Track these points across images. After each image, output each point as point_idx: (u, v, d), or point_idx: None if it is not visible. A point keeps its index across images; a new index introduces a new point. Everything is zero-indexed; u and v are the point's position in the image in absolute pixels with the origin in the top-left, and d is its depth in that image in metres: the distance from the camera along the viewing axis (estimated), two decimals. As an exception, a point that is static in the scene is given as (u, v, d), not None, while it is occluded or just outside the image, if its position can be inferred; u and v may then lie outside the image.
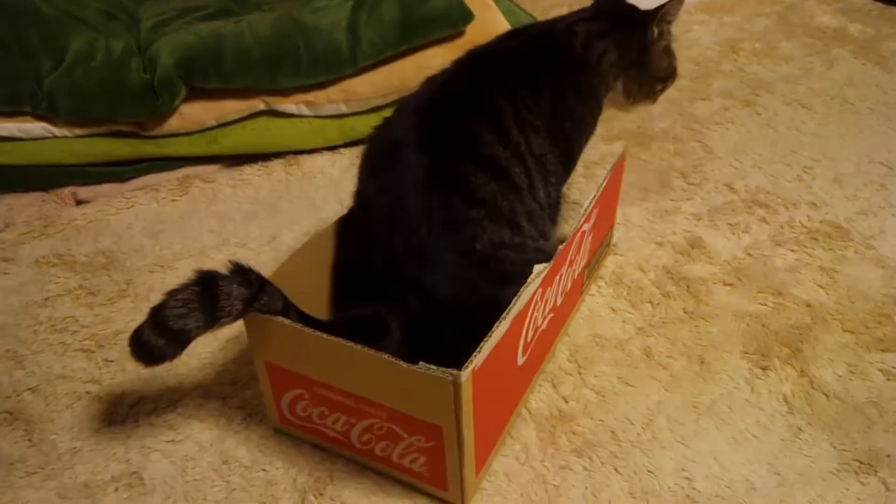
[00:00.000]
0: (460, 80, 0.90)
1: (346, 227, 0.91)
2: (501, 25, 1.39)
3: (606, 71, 0.97)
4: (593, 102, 0.98)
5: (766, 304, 1.01)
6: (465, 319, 0.75)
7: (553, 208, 0.92)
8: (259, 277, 0.73)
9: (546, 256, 0.80)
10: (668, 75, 1.02)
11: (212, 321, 0.68)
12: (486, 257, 0.79)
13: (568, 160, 0.96)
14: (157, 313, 0.68)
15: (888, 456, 0.81)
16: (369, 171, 0.87)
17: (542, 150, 0.88)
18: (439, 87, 0.88)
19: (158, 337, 0.68)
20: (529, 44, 0.96)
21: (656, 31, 0.96)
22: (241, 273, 0.72)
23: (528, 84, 0.90)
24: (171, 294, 0.69)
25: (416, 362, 0.66)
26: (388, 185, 0.82)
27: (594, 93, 0.98)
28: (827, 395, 0.88)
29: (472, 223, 0.79)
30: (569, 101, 0.93)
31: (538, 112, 0.88)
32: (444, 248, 0.78)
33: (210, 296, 0.69)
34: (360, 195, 0.87)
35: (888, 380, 0.90)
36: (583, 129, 0.98)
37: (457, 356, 0.67)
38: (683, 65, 1.66)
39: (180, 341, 0.69)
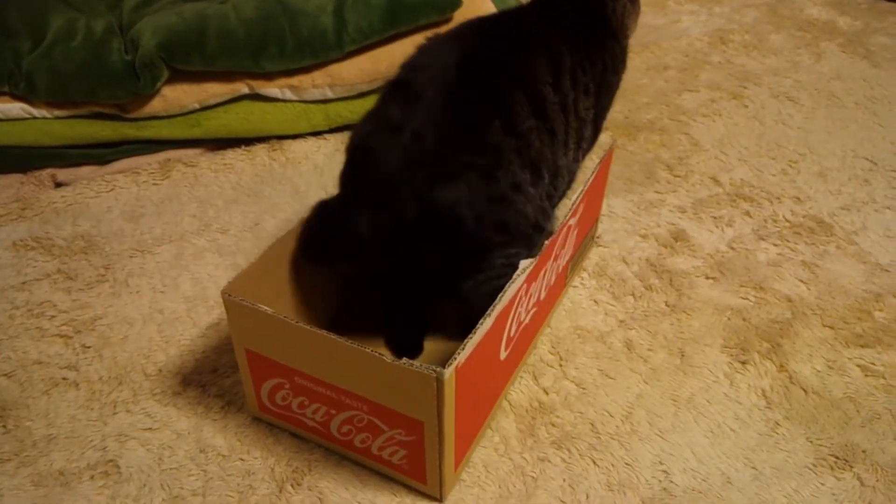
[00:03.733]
0: (523, 18, 0.90)
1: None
2: (490, 11, 1.38)
3: (628, 21, 0.98)
4: (622, 68, 0.99)
5: (747, 299, 1.02)
6: (453, 250, 0.76)
7: (571, 179, 0.93)
8: None
9: (546, 218, 0.82)
10: None
11: None
12: (502, 196, 0.77)
13: (596, 133, 0.97)
14: None
15: (864, 451, 0.82)
16: (419, 54, 0.85)
17: (587, 116, 0.88)
18: (501, 18, 0.89)
19: None
20: (574, 13, 0.94)
21: None
22: None
23: (584, 50, 0.89)
24: None
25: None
26: (429, 77, 0.79)
27: (625, 57, 0.98)
28: (805, 390, 0.89)
29: (503, 152, 0.77)
30: (609, 77, 0.94)
31: (592, 78, 0.89)
32: (469, 166, 0.75)
33: None
34: (399, 82, 0.83)
35: (866, 375, 0.91)
36: (610, 102, 0.98)
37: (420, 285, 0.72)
38: (672, 55, 1.66)
39: None
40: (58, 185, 1.26)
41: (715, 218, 1.17)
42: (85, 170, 1.28)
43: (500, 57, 0.82)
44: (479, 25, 0.89)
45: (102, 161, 1.29)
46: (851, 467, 0.81)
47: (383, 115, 0.81)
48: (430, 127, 0.76)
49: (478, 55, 0.82)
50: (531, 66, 0.82)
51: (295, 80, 1.29)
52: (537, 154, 0.80)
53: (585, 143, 0.92)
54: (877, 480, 0.79)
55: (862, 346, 0.95)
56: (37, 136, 1.24)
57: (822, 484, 0.79)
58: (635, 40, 1.67)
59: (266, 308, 0.71)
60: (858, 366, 0.92)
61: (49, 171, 1.27)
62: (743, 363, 0.92)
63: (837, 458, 0.82)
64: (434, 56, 0.83)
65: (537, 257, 0.78)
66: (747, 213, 1.18)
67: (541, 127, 0.80)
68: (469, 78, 0.79)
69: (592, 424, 0.85)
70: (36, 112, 1.22)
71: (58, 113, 1.23)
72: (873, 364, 0.92)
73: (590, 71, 0.89)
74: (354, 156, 0.82)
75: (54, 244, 1.12)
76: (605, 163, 0.98)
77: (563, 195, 0.94)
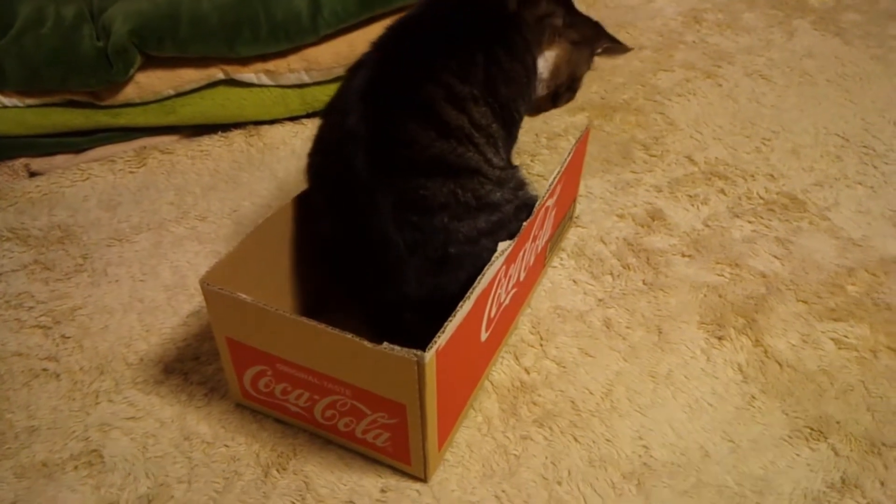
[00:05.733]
0: (386, 73, 0.83)
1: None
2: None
3: (545, 32, 0.96)
4: (529, 59, 0.94)
5: (723, 275, 1.03)
6: (439, 309, 0.74)
7: (508, 164, 0.92)
8: None
9: (528, 209, 0.83)
10: (569, 83, 1.02)
11: None
12: (463, 255, 0.79)
13: (510, 125, 0.92)
14: None
15: (838, 422, 0.84)
16: (320, 189, 0.84)
17: (487, 120, 0.85)
18: (368, 86, 0.82)
19: None
20: (456, 5, 0.91)
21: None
22: None
23: (457, 52, 0.85)
24: None
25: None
26: (345, 215, 0.80)
27: (529, 49, 0.94)
28: (780, 364, 0.91)
29: (440, 231, 0.78)
30: (503, 65, 0.89)
31: (472, 81, 0.84)
32: (416, 265, 0.78)
33: None
34: (316, 215, 0.85)
35: (839, 348, 0.93)
36: (518, 90, 0.92)
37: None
38: (647, 35, 1.66)
39: None
40: (32, 174, 1.25)
41: (690, 196, 1.18)
42: (59, 159, 1.27)
43: (388, 140, 0.79)
44: (368, 84, 0.82)
45: (77, 149, 1.28)
46: (826, 438, 0.83)
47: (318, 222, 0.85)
48: (371, 253, 0.79)
49: (373, 149, 0.78)
50: (410, 138, 0.79)
51: (271, 65, 1.28)
52: (476, 198, 0.80)
53: (501, 140, 0.88)
54: (850, 451, 0.81)
55: (835, 320, 0.97)
56: (9, 125, 1.22)
57: (798, 455, 0.81)
58: (611, 21, 1.68)
59: (245, 296, 0.71)
60: (832, 339, 0.94)
61: (22, 160, 1.25)
62: (719, 339, 0.94)
63: (812, 429, 0.84)
64: (339, 167, 0.80)
65: (516, 239, 0.78)
66: (722, 192, 1.20)
67: (461, 179, 0.79)
68: (376, 180, 0.77)
69: (573, 402, 0.87)
70: (7, 101, 1.20)
71: (29, 101, 1.21)
72: (846, 337, 0.94)
73: (471, 76, 0.84)
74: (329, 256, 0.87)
75: (30, 234, 1.11)
76: (581, 143, 0.98)
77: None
